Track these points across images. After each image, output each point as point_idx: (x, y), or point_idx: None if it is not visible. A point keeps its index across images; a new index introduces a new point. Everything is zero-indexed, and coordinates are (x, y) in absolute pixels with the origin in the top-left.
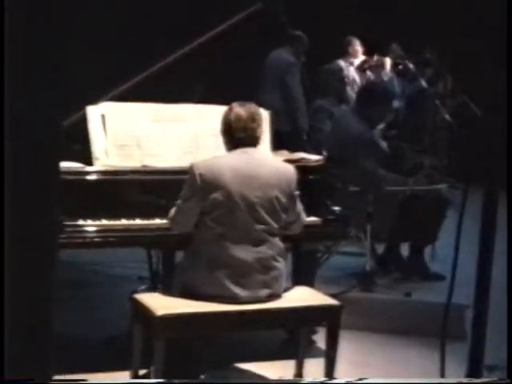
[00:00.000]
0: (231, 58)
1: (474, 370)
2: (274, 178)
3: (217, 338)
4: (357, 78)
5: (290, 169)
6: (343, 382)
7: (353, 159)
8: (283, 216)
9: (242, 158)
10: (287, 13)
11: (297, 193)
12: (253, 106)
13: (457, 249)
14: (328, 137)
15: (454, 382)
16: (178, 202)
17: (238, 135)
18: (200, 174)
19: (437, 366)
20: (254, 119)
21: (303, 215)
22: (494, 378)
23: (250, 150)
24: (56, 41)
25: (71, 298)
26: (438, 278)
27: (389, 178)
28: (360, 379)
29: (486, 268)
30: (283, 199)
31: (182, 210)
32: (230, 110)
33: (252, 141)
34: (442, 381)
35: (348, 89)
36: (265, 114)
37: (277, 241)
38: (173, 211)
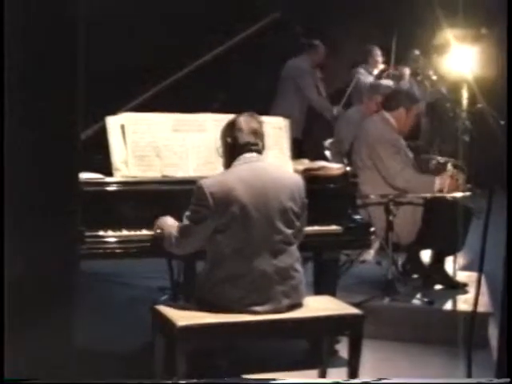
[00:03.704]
0: (251, 67)
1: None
2: (285, 187)
3: (238, 348)
4: None
5: (298, 177)
6: (360, 382)
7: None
8: (297, 224)
9: (250, 169)
10: (304, 22)
11: (306, 201)
12: (257, 115)
13: (482, 257)
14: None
15: (454, 382)
16: (186, 224)
17: (246, 139)
18: (211, 193)
19: (460, 374)
20: (261, 124)
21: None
22: (494, 378)
23: (254, 159)
24: (77, 52)
25: (92, 308)
26: (460, 285)
27: (415, 178)
28: (379, 379)
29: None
30: (296, 208)
31: (192, 233)
32: (237, 116)
33: (259, 147)
34: (442, 381)
35: None
36: (285, 123)
37: (294, 249)
38: (176, 234)
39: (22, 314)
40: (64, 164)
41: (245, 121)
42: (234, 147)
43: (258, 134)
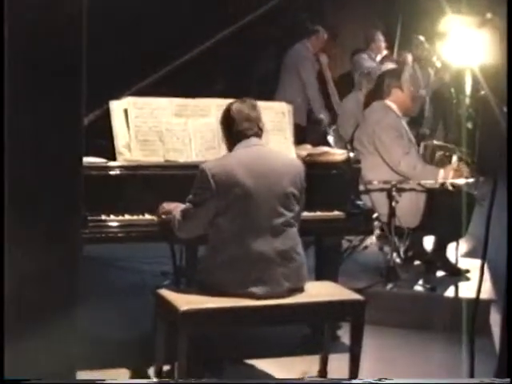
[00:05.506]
0: (253, 53)
1: (503, 367)
2: (286, 171)
3: (240, 333)
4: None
5: (298, 161)
6: (361, 382)
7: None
8: (297, 207)
9: (251, 153)
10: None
11: (305, 185)
12: (251, 100)
13: (485, 244)
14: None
15: (454, 382)
16: (188, 206)
17: (239, 127)
18: (213, 175)
19: (462, 361)
20: (255, 108)
21: None
22: (494, 378)
23: (254, 142)
24: (80, 37)
25: (93, 293)
26: (462, 272)
27: (419, 164)
28: (380, 379)
29: None
30: (296, 192)
31: (194, 216)
32: (230, 105)
33: (256, 131)
34: (443, 380)
35: None
36: (288, 108)
37: (294, 232)
38: (179, 217)
39: (23, 302)
40: (67, 148)
41: (236, 109)
42: (230, 134)
43: (252, 118)
